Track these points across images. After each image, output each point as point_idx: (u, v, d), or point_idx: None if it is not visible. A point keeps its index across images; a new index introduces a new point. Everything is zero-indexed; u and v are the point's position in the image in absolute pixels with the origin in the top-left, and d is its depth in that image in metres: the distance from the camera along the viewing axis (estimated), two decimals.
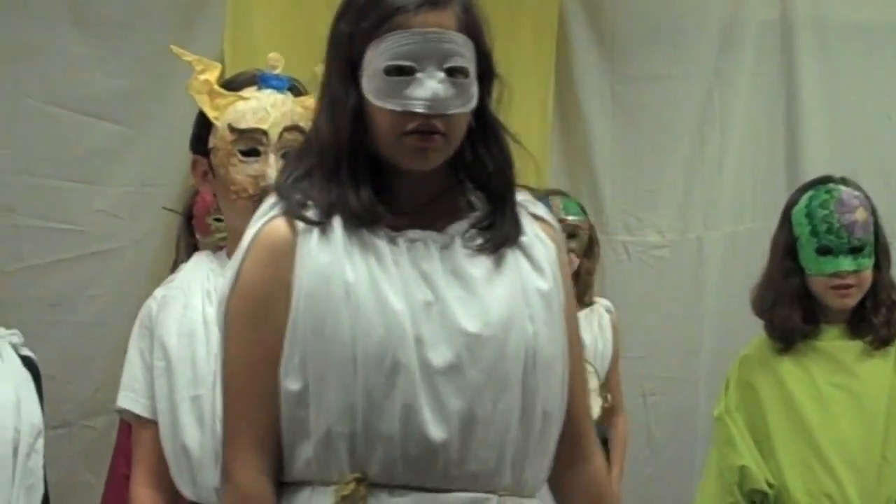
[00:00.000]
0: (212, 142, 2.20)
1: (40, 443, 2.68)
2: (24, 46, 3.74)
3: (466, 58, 1.72)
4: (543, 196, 3.46)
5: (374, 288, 1.72)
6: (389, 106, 1.71)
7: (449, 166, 1.77)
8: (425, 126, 1.71)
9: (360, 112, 1.74)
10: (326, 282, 1.72)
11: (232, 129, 2.22)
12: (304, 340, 1.72)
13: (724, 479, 2.78)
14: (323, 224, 1.74)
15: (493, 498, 1.72)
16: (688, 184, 4.19)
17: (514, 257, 1.79)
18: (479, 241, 1.77)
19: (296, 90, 2.34)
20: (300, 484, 1.75)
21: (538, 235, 1.82)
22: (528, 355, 1.75)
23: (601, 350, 3.66)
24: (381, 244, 1.74)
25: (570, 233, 3.56)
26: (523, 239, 1.80)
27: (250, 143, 2.24)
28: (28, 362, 2.72)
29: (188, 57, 2.34)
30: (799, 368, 2.79)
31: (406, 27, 1.71)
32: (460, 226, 1.78)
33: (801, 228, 2.76)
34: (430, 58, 1.72)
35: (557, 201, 3.62)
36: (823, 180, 2.84)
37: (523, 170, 4.42)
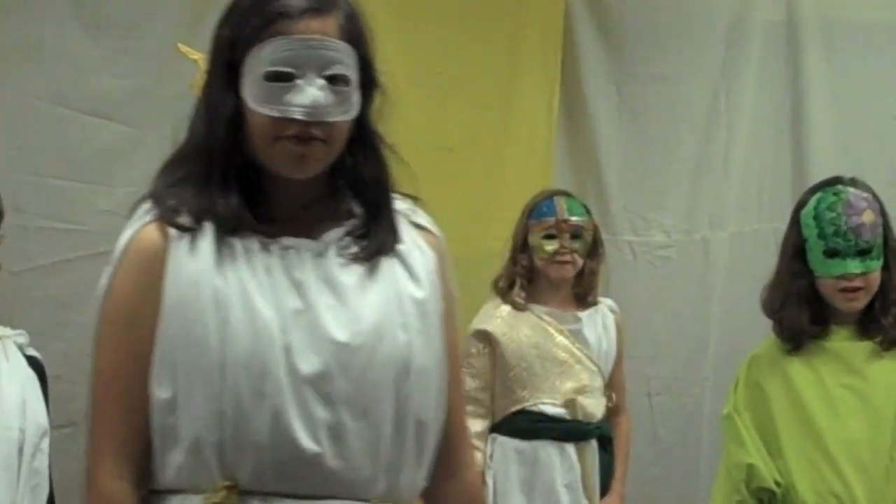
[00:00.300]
0: None
1: (45, 443, 2.71)
2: (30, 47, 3.80)
3: (348, 66, 1.72)
4: (548, 197, 3.68)
5: (243, 295, 1.73)
6: (268, 112, 1.70)
7: (328, 172, 1.77)
8: (304, 133, 1.71)
9: (236, 118, 1.74)
10: (195, 288, 1.73)
11: None
12: (172, 348, 1.73)
13: (732, 477, 2.82)
14: (194, 230, 1.74)
15: None
16: (694, 184, 4.23)
17: (389, 266, 1.80)
18: (354, 249, 1.78)
19: None
20: (171, 492, 1.76)
21: (417, 244, 1.83)
22: (401, 364, 1.76)
23: (605, 350, 3.73)
24: (254, 251, 1.75)
25: (574, 233, 3.60)
26: (400, 247, 1.81)
27: None
28: (33, 362, 2.75)
29: (194, 55, 2.38)
30: (808, 369, 2.82)
31: (287, 33, 1.71)
32: (336, 233, 1.79)
33: (809, 230, 2.79)
34: (310, 65, 1.72)
35: (562, 202, 3.65)
36: (832, 182, 2.88)
37: (527, 169, 4.37)
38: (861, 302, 2.73)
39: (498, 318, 3.65)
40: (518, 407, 3.60)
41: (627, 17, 4.38)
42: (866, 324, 2.82)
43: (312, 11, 1.72)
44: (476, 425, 3.59)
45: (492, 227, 4.07)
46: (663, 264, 4.23)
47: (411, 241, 1.84)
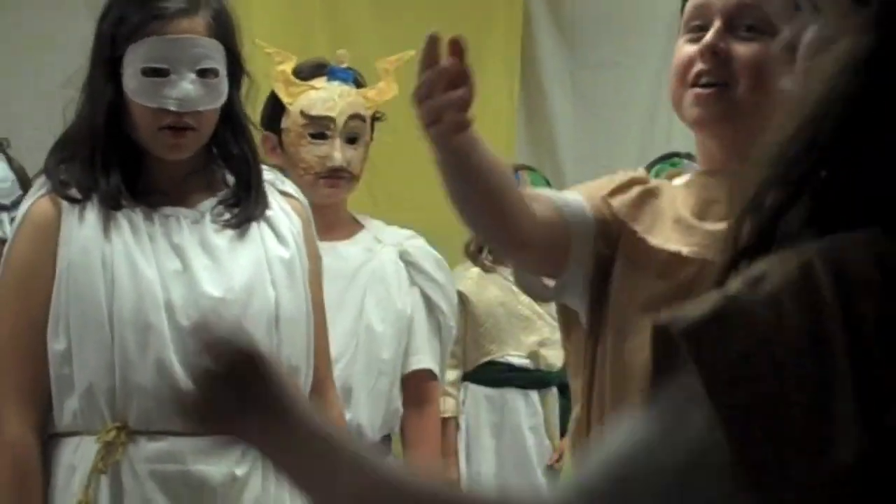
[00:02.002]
0: (284, 123, 2.34)
1: None
2: (46, 38, 3.82)
3: (216, 60, 1.82)
4: (514, 170, 3.47)
5: (128, 259, 1.81)
6: (146, 103, 1.79)
7: (203, 148, 1.86)
8: (178, 122, 1.80)
9: (117, 105, 1.81)
10: (86, 254, 1.80)
11: (304, 114, 2.36)
12: (66, 306, 1.80)
13: None
14: (83, 202, 1.81)
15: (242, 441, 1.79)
16: (641, 160, 3.99)
17: (258, 230, 1.88)
18: (227, 216, 1.86)
19: (358, 82, 2.47)
20: (69, 434, 1.83)
21: (284, 209, 1.92)
22: (271, 316, 1.85)
23: None
24: (138, 220, 1.83)
25: None
26: (269, 213, 1.90)
27: (319, 127, 2.37)
28: None
29: (269, 49, 2.47)
30: None
31: (161, 33, 1.79)
32: (210, 203, 1.87)
33: None
34: (182, 61, 1.80)
35: (526, 175, 3.68)
36: (670, 155, 3.02)
37: (491, 147, 4.44)
38: None
39: (468, 279, 3.72)
40: (487, 358, 3.71)
41: (579, 9, 4.45)
42: None
43: (182, 13, 1.81)
44: (450, 375, 3.56)
45: None
46: None
47: (278, 207, 1.92)
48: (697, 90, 1.49)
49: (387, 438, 2.52)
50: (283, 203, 1.94)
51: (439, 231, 3.66)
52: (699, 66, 1.49)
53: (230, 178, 1.90)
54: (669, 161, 3.00)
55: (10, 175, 2.51)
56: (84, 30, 3.85)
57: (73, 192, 1.82)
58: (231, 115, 1.88)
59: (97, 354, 1.80)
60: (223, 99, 1.84)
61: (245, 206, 1.88)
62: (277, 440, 0.92)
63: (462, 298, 3.59)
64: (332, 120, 2.41)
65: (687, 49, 1.50)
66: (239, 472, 1.83)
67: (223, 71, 1.83)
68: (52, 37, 3.80)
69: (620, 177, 1.58)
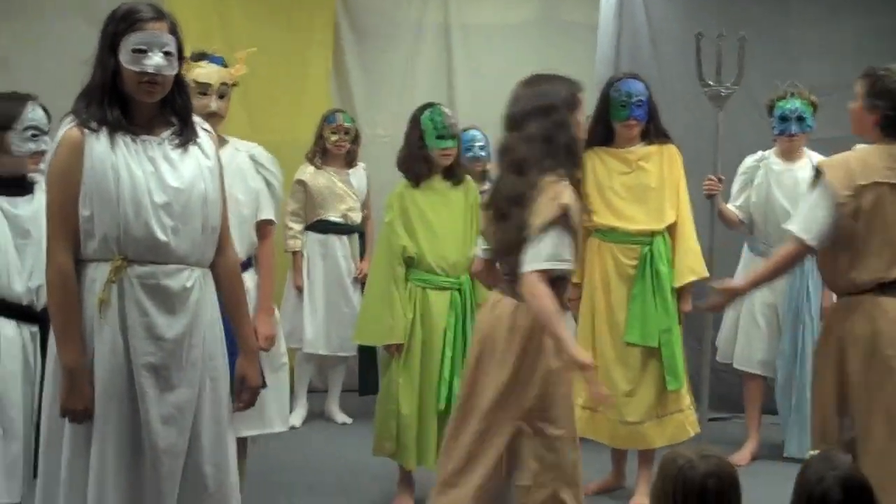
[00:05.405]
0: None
1: None
2: (61, 35, 4.55)
3: (172, 46, 2.09)
4: (333, 112, 4.61)
5: (125, 164, 2.06)
6: (134, 68, 2.05)
7: (162, 101, 2.12)
8: (152, 79, 2.06)
9: (115, 71, 2.05)
10: (101, 160, 2.04)
11: (195, 81, 2.78)
12: (90, 190, 2.04)
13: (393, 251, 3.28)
14: (98, 131, 2.05)
15: (188, 268, 2.14)
16: (399, 103, 4.85)
17: (194, 149, 2.15)
18: (177, 140, 2.13)
19: (224, 63, 2.95)
20: (92, 261, 2.09)
21: (205, 138, 2.20)
22: (203, 198, 2.12)
23: (361, 189, 4.50)
24: (129, 142, 2.07)
25: (346, 131, 4.55)
26: (199, 140, 2.17)
27: (203, 89, 2.82)
28: None
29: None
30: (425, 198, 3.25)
31: (143, 29, 2.07)
32: (167, 133, 2.13)
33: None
34: (154, 45, 2.07)
35: (339, 115, 4.62)
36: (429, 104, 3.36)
37: (316, 99, 5.25)
38: None
39: (307, 172, 4.56)
40: (318, 218, 4.55)
41: (364, 20, 5.24)
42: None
43: (153, 19, 2.10)
44: (297, 227, 4.53)
45: (299, 127, 4.96)
46: (382, 143, 4.87)
47: (203, 137, 2.18)
48: None
49: (248, 262, 2.87)
50: (204, 135, 2.23)
51: (291, 144, 4.72)
52: None
53: (175, 120, 2.17)
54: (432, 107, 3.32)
55: (44, 115, 2.71)
56: (79, 29, 4.12)
57: (92, 124, 2.07)
58: (178, 80, 2.16)
59: (109, 218, 2.07)
60: (176, 69, 2.11)
61: (186, 135, 2.15)
62: None
63: (303, 183, 4.50)
64: (209, 85, 2.84)
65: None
66: (188, 284, 2.17)
67: (176, 54, 2.12)
68: (64, 34, 4.58)
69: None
